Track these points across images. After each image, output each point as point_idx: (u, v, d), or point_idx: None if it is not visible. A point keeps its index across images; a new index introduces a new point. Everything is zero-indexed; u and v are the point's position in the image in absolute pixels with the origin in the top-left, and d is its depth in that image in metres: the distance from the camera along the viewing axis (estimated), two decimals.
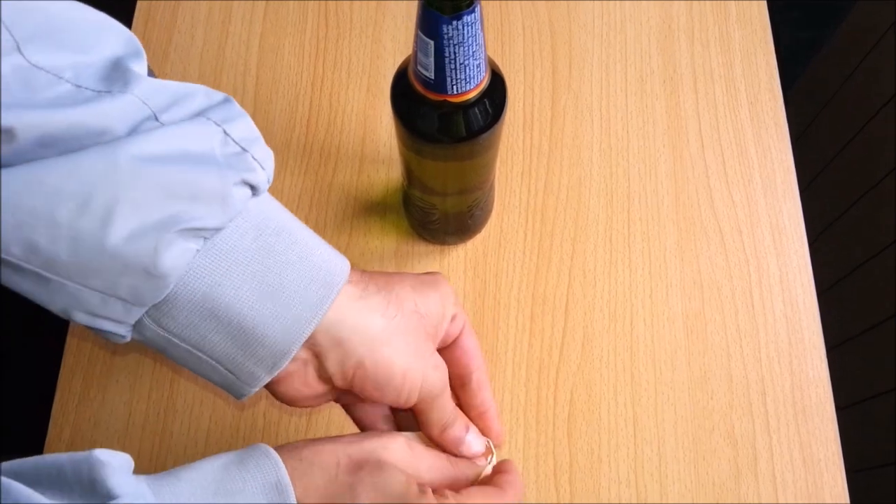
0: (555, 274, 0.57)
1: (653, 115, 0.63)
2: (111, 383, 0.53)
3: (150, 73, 0.34)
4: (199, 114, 0.32)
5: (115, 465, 0.27)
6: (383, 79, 0.63)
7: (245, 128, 0.33)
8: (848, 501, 0.52)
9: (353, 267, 0.36)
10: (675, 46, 0.65)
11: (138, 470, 0.52)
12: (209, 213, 0.30)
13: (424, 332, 0.36)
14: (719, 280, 0.58)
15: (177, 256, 0.30)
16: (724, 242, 0.59)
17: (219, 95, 0.34)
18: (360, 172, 0.60)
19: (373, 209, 0.59)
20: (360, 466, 0.32)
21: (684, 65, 0.64)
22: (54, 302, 0.31)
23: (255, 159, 0.33)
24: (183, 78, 0.56)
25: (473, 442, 0.38)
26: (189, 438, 0.52)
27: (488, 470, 0.38)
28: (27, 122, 0.28)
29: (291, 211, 0.42)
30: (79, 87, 0.29)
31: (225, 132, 0.31)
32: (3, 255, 0.29)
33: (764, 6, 0.67)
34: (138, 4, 0.65)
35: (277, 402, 0.53)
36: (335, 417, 0.53)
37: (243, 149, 0.32)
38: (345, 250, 0.57)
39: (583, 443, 0.53)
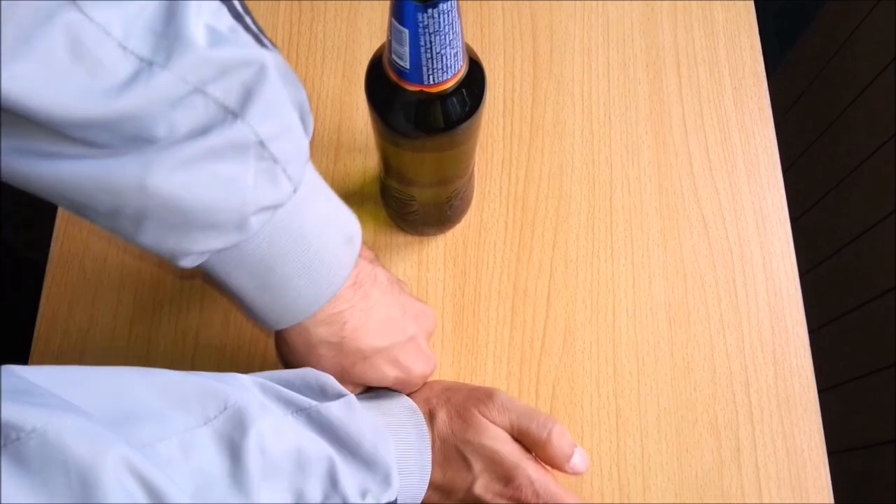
0: (536, 264, 0.56)
1: (635, 100, 0.61)
2: None
3: None
4: (242, 110, 0.31)
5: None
6: (359, 64, 0.61)
7: (286, 145, 0.33)
8: (831, 491, 0.52)
9: (364, 267, 0.41)
10: (657, 29, 0.64)
11: None
12: (223, 239, 0.33)
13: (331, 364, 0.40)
14: (703, 269, 0.57)
15: (192, 261, 0.34)
16: (707, 231, 0.58)
17: (267, 68, 0.32)
18: (337, 161, 0.58)
19: (350, 199, 0.57)
20: None
21: (667, 48, 0.63)
22: None
23: (285, 172, 0.33)
24: None
25: None
26: None
27: None
28: (73, 115, 0.27)
29: None
30: (125, 49, 0.28)
31: (262, 143, 0.32)
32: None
33: None
34: None
35: None
36: None
37: (275, 160, 0.33)
38: None
39: None
